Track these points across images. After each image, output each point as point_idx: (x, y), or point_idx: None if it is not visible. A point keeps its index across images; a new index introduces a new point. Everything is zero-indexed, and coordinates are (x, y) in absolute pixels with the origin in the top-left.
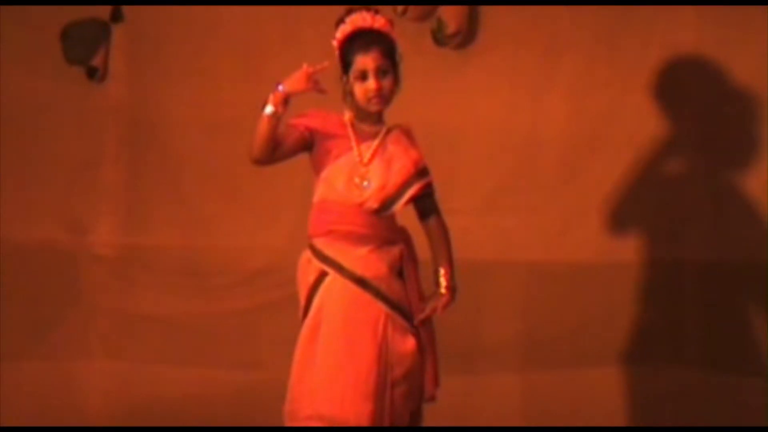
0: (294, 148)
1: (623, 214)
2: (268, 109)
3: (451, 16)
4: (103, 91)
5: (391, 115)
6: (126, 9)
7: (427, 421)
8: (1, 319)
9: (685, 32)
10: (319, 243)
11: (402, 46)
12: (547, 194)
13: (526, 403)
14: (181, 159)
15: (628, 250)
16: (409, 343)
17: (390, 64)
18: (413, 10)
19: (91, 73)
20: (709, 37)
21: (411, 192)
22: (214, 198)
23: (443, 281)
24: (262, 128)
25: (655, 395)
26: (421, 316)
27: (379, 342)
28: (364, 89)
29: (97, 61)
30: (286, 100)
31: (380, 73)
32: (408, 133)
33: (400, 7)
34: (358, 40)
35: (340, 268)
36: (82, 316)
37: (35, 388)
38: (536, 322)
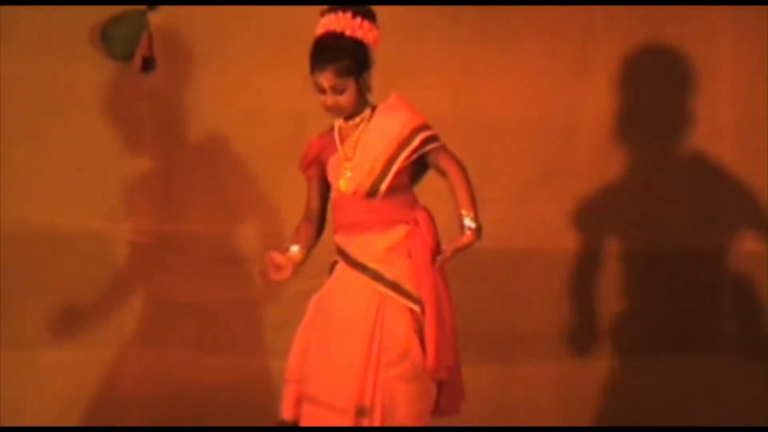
0: (321, 194)
1: (660, 203)
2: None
3: None
4: (139, 79)
5: (428, 103)
6: None
7: (463, 409)
8: (37, 306)
9: (719, 23)
10: (336, 237)
11: (435, 35)
12: (583, 183)
13: (561, 391)
14: (217, 146)
15: (665, 238)
16: (405, 323)
17: (344, 81)
18: None
19: (146, 65)
20: (742, 27)
21: (405, 156)
22: (249, 185)
23: (466, 222)
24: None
25: (692, 385)
26: (443, 256)
27: (372, 323)
28: (322, 102)
29: (145, 52)
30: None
31: (334, 91)
32: (392, 106)
33: None
34: (316, 54)
35: (344, 256)
36: (118, 304)
37: (71, 375)
38: (572, 310)
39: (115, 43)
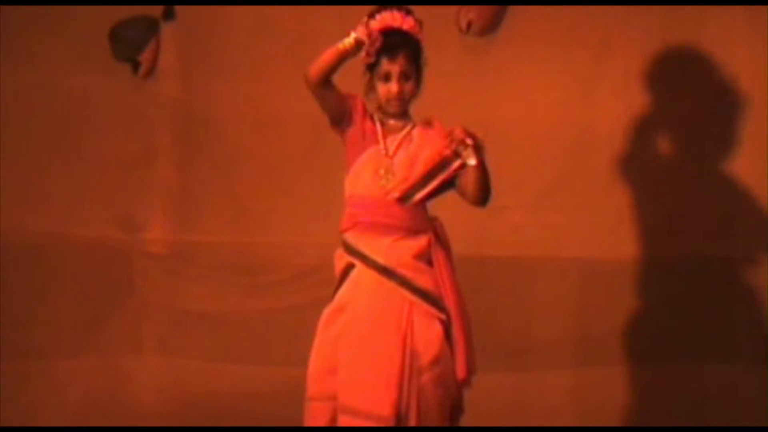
0: (335, 100)
1: (675, 211)
2: (351, 37)
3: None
4: (155, 88)
5: (441, 110)
6: (178, 7)
7: (479, 418)
8: (54, 315)
9: (735, 29)
10: (348, 236)
11: (452, 44)
12: (598, 191)
13: (577, 401)
14: (233, 156)
15: (681, 247)
16: (435, 329)
17: (413, 69)
18: (477, 24)
19: (135, 68)
20: (759, 34)
21: (438, 179)
22: (265, 195)
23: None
24: (333, 55)
25: (707, 393)
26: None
27: (404, 330)
28: (386, 90)
29: (143, 57)
30: (366, 40)
31: (403, 77)
32: (434, 126)
33: (464, 23)
34: (386, 41)
35: (364, 259)
36: (135, 313)
37: (88, 384)
38: (588, 319)
39: (121, 44)
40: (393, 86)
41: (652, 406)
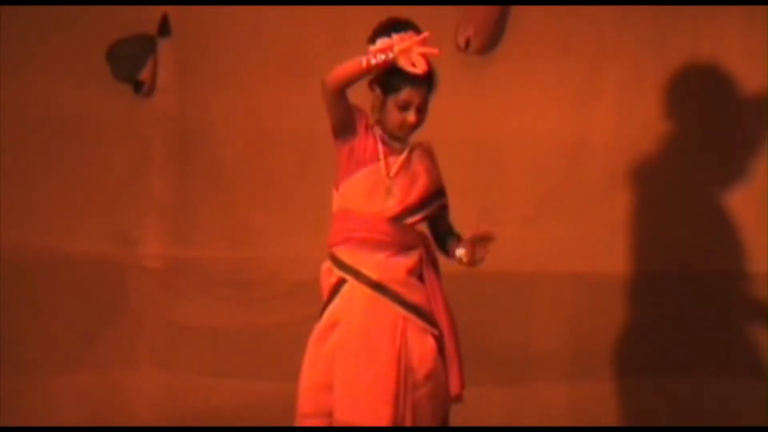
0: (345, 109)
1: (671, 224)
2: (381, 58)
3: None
4: (150, 103)
5: (438, 125)
6: (172, 22)
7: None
8: (49, 330)
9: (732, 38)
10: (338, 251)
11: (447, 59)
12: (594, 203)
13: (573, 413)
14: (228, 170)
15: (676, 260)
16: (429, 344)
17: (428, 101)
18: (476, 43)
19: (137, 88)
20: (755, 44)
21: (429, 210)
22: (260, 209)
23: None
24: (357, 70)
25: (702, 406)
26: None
27: (398, 345)
28: (401, 119)
29: (144, 76)
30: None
31: (421, 108)
32: (430, 152)
33: (462, 41)
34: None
35: (357, 274)
36: (130, 327)
37: (83, 398)
38: (584, 332)
39: (119, 63)
40: (411, 116)
41: (647, 419)
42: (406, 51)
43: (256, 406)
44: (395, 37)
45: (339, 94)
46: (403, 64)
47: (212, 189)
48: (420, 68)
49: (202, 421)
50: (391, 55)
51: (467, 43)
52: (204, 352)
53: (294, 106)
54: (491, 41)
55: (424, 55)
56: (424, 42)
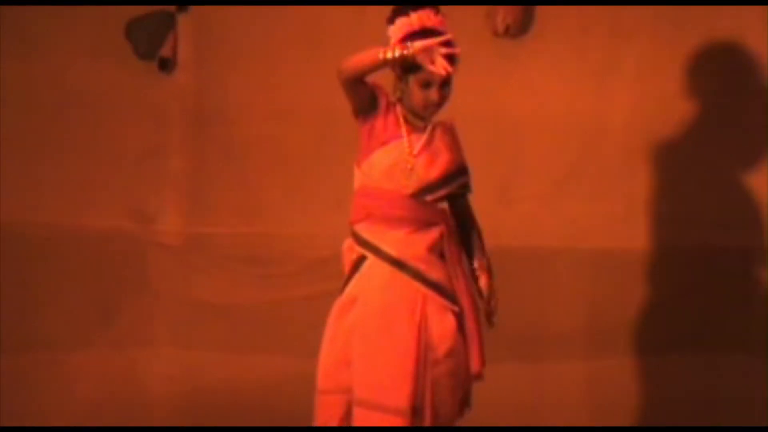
0: (364, 91)
1: (689, 201)
2: (397, 52)
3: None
4: (167, 80)
5: (456, 102)
6: None
7: (493, 407)
8: (67, 307)
9: (751, 14)
10: (359, 228)
11: (465, 36)
12: (613, 181)
13: (591, 390)
14: (246, 147)
15: (695, 237)
16: (449, 322)
17: (451, 75)
18: (514, 26)
19: (163, 65)
20: None
21: (450, 188)
22: (278, 186)
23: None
24: (373, 62)
25: (721, 383)
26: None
27: (417, 322)
28: (424, 97)
29: (166, 52)
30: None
31: (444, 84)
32: (452, 131)
33: (501, 26)
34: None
35: (377, 251)
36: (148, 304)
37: (102, 375)
38: (603, 309)
39: (139, 41)
40: (433, 94)
41: (665, 396)
42: (425, 48)
43: (273, 382)
44: (413, 15)
45: (354, 82)
46: (422, 60)
47: (230, 166)
48: (440, 69)
49: (218, 397)
50: (408, 52)
51: (507, 29)
52: (221, 328)
53: (312, 83)
54: (526, 26)
55: (446, 56)
56: (444, 42)
